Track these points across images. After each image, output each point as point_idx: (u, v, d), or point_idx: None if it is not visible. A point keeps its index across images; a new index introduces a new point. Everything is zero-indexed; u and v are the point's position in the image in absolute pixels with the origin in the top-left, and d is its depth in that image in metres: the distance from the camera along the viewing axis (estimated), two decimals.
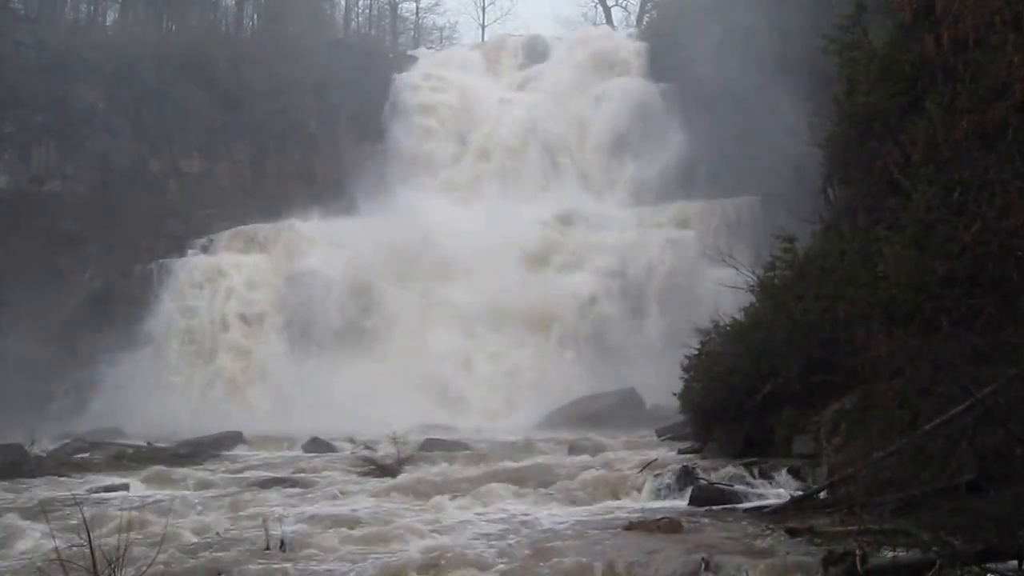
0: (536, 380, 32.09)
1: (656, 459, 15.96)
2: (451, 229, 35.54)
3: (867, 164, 15.04)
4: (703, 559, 9.11)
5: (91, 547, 7.59)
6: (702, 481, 13.83)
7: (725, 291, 19.22)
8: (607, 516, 12.76)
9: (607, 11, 60.43)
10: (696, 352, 18.44)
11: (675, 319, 29.77)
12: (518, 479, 15.71)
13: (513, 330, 33.68)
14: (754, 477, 13.97)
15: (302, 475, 17.78)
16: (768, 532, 10.59)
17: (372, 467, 18.06)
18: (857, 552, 8.28)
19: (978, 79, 11.87)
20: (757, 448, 15.33)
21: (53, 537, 9.28)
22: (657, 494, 14.17)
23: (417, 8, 62.73)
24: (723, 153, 35.85)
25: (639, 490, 14.45)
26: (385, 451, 19.54)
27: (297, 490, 15.98)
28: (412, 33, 62.33)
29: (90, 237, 37.82)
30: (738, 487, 13.58)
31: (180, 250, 38.24)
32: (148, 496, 15.85)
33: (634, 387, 28.58)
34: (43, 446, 24.02)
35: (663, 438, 21.43)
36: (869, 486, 10.92)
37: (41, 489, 16.89)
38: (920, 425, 10.66)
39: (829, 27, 18.52)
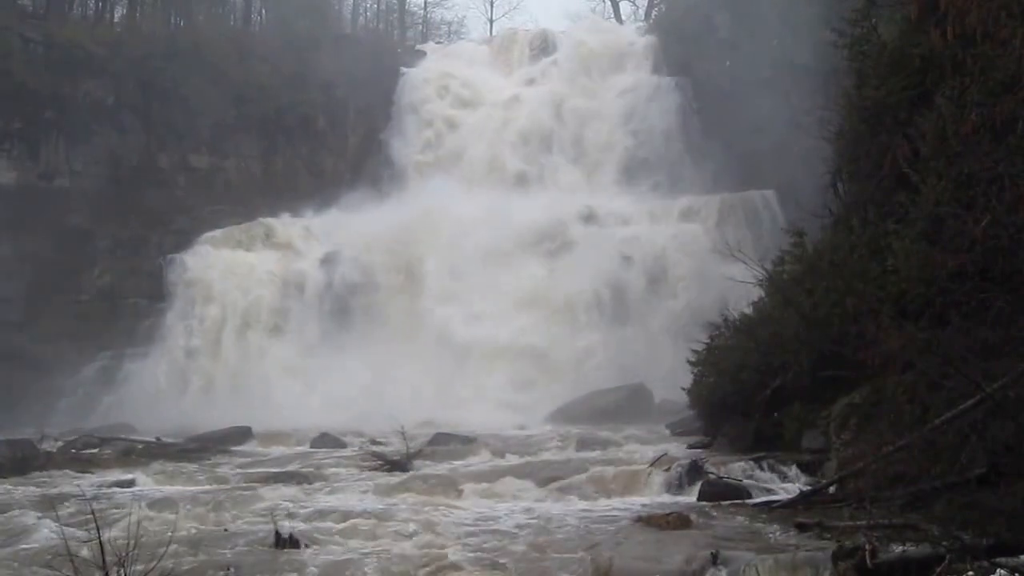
0: (544, 374, 32.02)
1: (665, 454, 15.94)
2: (461, 223, 35.52)
3: (876, 158, 14.99)
4: (712, 553, 9.11)
5: (100, 542, 7.61)
6: (711, 476, 13.83)
7: (734, 285, 19.18)
8: (617, 511, 12.78)
9: (615, 5, 60.22)
10: (705, 347, 18.42)
11: (685, 313, 29.80)
12: (527, 474, 15.74)
13: (523, 323, 33.61)
14: (763, 472, 13.97)
15: (311, 470, 17.78)
16: (777, 527, 10.58)
17: (381, 462, 18.03)
18: (867, 546, 8.28)
19: (987, 73, 11.82)
20: (766, 443, 15.31)
21: (62, 532, 9.31)
22: (666, 489, 14.17)
23: (425, 3, 62.93)
24: (732, 147, 35.74)
25: (648, 485, 14.45)
26: (394, 446, 19.54)
27: (306, 485, 15.99)
28: (420, 28, 62.43)
29: (99, 233, 37.81)
30: (747, 482, 13.57)
31: (189, 245, 38.21)
32: (157, 491, 15.89)
33: (643, 381, 28.49)
34: (52, 442, 24.14)
35: (672, 433, 21.41)
36: (879, 481, 10.90)
37: (50, 484, 16.94)
38: (930, 419, 10.63)
39: (838, 21, 18.45)
